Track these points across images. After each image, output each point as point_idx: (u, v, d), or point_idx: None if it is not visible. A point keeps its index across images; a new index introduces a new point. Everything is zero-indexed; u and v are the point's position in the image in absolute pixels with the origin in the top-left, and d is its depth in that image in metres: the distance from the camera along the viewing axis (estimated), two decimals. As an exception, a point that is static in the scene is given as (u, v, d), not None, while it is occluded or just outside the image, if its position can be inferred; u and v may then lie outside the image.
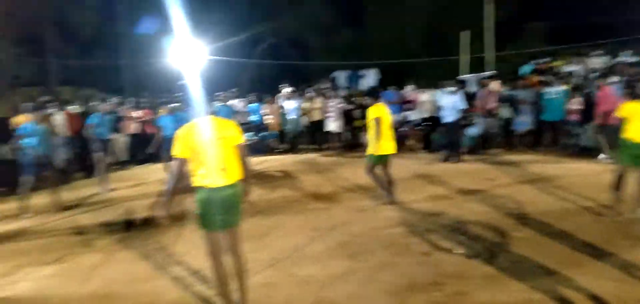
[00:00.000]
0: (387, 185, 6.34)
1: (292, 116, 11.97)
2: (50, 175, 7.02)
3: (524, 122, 9.93)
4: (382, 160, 6.23)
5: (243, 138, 3.40)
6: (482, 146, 10.20)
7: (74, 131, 9.99)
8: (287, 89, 12.42)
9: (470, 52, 14.69)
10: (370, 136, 6.27)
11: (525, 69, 11.89)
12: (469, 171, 8.34)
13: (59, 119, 9.99)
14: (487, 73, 12.14)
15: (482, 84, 10.27)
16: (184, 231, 5.51)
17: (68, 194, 7.74)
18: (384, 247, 4.71)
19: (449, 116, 9.45)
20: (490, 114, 9.91)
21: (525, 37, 16.59)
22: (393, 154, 6.32)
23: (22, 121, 7.34)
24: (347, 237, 5.09)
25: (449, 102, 9.46)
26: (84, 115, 10.55)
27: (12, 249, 5.42)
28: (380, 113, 6.15)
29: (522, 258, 4.21)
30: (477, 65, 14.56)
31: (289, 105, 11.99)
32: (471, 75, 12.94)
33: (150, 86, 16.97)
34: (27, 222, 6.44)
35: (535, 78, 10.43)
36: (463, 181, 7.50)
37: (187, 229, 5.45)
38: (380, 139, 6.08)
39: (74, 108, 10.86)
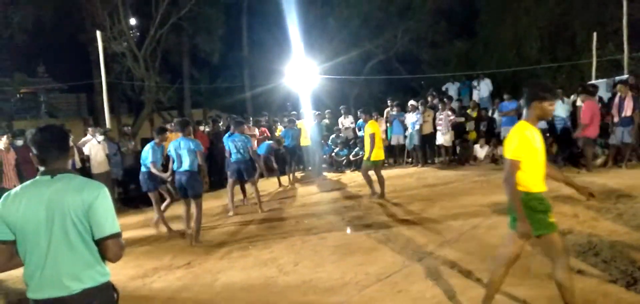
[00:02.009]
0: (380, 185, 8.10)
1: (411, 130, 11.88)
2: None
3: None
4: (375, 164, 8.15)
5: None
6: (617, 157, 9.06)
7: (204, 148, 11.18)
8: (411, 102, 12.37)
9: (602, 54, 13.18)
10: (366, 146, 8.10)
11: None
12: (599, 186, 7.47)
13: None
14: (622, 77, 10.75)
15: (621, 84, 9.07)
16: (294, 241, 5.83)
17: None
18: (499, 266, 4.45)
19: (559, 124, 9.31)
20: (628, 120, 8.69)
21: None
22: (383, 160, 8.80)
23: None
24: (458, 254, 4.92)
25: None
26: (211, 134, 11.77)
27: (147, 252, 6.25)
28: (374, 129, 8.09)
29: (669, 287, 3.67)
30: (611, 69, 13.01)
31: (410, 119, 11.93)
32: (603, 80, 11.59)
33: (269, 106, 18.24)
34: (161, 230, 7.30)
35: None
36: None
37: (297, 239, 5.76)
38: (374, 149, 7.96)
39: (204, 128, 12.13)
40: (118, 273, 4.84)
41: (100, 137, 9.66)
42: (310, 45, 16.51)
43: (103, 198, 2.12)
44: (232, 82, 20.43)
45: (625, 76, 10.79)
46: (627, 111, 8.64)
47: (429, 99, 13.07)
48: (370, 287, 4.27)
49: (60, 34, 16.80)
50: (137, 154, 11.27)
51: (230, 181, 8.08)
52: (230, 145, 7.90)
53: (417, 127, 11.71)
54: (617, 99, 8.91)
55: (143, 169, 6.98)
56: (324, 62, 16.68)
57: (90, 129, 10.25)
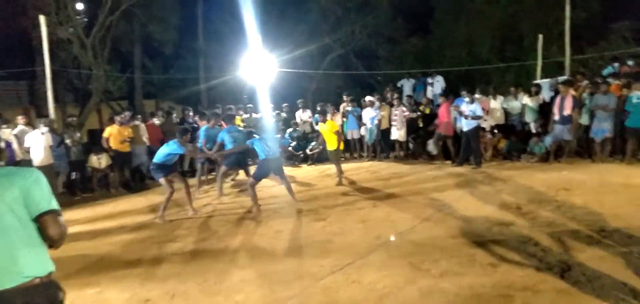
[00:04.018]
0: (340, 172, 9.13)
1: (370, 125, 12.06)
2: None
3: (603, 129, 9.24)
4: (337, 154, 9.34)
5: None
6: (553, 154, 9.64)
7: (154, 140, 10.84)
8: (368, 98, 12.55)
9: (547, 55, 13.91)
10: (331, 141, 9.13)
11: (606, 72, 11.05)
12: (542, 180, 7.92)
13: (142, 129, 10.91)
14: (563, 78, 11.42)
15: (556, 89, 9.67)
16: (250, 235, 5.79)
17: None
18: (448, 257, 4.63)
19: (467, 124, 9.80)
20: (567, 118, 9.28)
21: (609, 38, 15.39)
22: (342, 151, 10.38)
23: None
24: (410, 245, 5.07)
25: (467, 111, 9.74)
26: (163, 126, 11.44)
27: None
28: (336, 127, 9.36)
29: (600, 273, 3.95)
30: (554, 70, 13.76)
31: (368, 114, 12.10)
32: (546, 80, 12.24)
33: (225, 98, 17.93)
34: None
35: (618, 82, 9.65)
36: (534, 190, 7.16)
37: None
38: (339, 143, 9.18)
39: (155, 120, 11.75)
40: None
41: (44, 129, 9.15)
42: (268, 37, 16.35)
43: (37, 180, 2.07)
44: (186, 73, 19.90)
45: (566, 77, 11.45)
46: (567, 110, 9.20)
47: (389, 95, 13.32)
48: (325, 278, 4.32)
49: (-2, 16, 15.68)
50: (85, 146, 10.85)
51: (223, 169, 8.58)
52: (227, 137, 8.41)
53: (376, 122, 11.92)
54: (558, 99, 9.45)
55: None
56: (282, 55, 16.60)
57: (20, 118, 9.63)
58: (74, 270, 4.93)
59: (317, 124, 12.07)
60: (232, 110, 11.81)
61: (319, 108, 11.11)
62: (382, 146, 12.21)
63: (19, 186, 2.00)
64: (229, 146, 8.32)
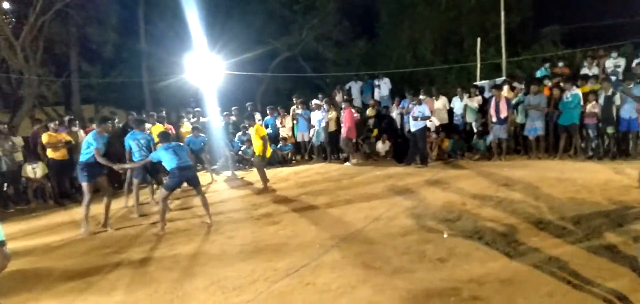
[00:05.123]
0: (264, 180, 9.12)
1: (317, 128, 12.13)
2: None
3: (536, 127, 9.89)
4: (261, 160, 9.28)
5: None
6: (496, 152, 10.19)
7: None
8: (315, 101, 12.61)
9: (486, 58, 14.65)
10: (258, 146, 9.20)
11: (539, 73, 11.83)
12: (484, 177, 8.32)
13: (82, 136, 10.34)
14: (499, 79, 12.10)
15: (495, 89, 10.26)
16: (200, 241, 5.65)
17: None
18: (399, 254, 4.76)
19: (414, 125, 10.19)
20: (504, 119, 9.90)
21: (541, 41, 16.49)
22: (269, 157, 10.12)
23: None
24: (362, 246, 5.16)
25: (416, 111, 10.15)
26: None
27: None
28: (263, 132, 9.43)
29: (541, 262, 4.21)
30: (493, 72, 14.52)
31: (315, 116, 12.16)
32: (486, 81, 12.90)
33: (170, 102, 17.35)
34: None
35: (550, 83, 10.36)
36: (478, 187, 7.51)
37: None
38: (266, 148, 9.28)
39: (95, 126, 11.15)
40: None
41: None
42: (214, 40, 16.00)
43: None
44: (128, 76, 19.04)
45: (501, 79, 12.12)
46: (503, 113, 9.85)
47: (338, 97, 13.47)
48: (279, 282, 4.30)
49: None
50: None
51: (135, 182, 7.73)
52: (133, 144, 7.64)
53: (323, 124, 12.02)
54: (493, 102, 10.05)
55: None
56: (228, 57, 16.30)
57: None
58: (10, 288, 4.58)
59: (267, 126, 12.04)
60: (140, 116, 10.93)
61: (247, 113, 11.11)
62: (331, 148, 12.33)
63: None
64: (136, 155, 7.58)
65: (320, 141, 12.33)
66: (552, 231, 5.04)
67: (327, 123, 12.03)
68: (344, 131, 11.34)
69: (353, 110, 12.09)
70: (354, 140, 11.66)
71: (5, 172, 9.35)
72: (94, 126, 10.87)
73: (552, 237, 4.87)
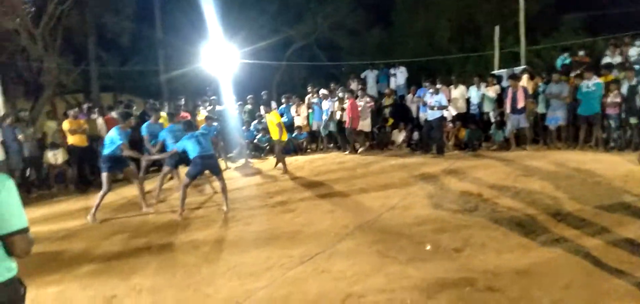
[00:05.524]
0: (283, 163, 9.61)
1: (325, 117, 12.12)
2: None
3: (557, 117, 9.70)
4: (280, 144, 9.77)
5: None
6: (514, 143, 10.03)
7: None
8: (323, 91, 12.60)
9: (504, 46, 14.39)
10: (275, 132, 9.70)
11: (559, 62, 11.58)
12: (502, 167, 8.22)
13: (100, 123, 10.52)
14: (518, 68, 11.87)
15: (511, 80, 10.07)
16: (218, 227, 5.71)
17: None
18: (414, 244, 4.75)
19: (431, 114, 10.07)
20: (521, 110, 9.71)
21: (561, 29, 16.12)
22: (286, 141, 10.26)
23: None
24: (377, 234, 5.16)
25: (432, 101, 10.03)
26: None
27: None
28: (279, 118, 9.84)
29: (558, 254, 4.16)
30: (511, 60, 14.27)
31: (324, 106, 12.15)
32: (505, 70, 12.69)
33: (186, 90, 17.50)
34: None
35: (573, 75, 10.11)
36: (495, 177, 7.42)
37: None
38: (280, 134, 9.61)
39: (114, 114, 11.33)
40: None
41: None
42: (229, 28, 16.05)
43: (9, 191, 1.95)
44: (145, 64, 19.26)
45: (520, 68, 11.89)
46: (520, 103, 9.65)
47: (353, 86, 13.39)
48: (294, 269, 4.33)
49: None
50: (39, 141, 10.36)
51: (166, 169, 7.99)
52: (169, 136, 7.78)
53: (330, 113, 12.00)
54: (510, 93, 9.84)
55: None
56: (244, 46, 16.35)
57: None
58: (33, 269, 4.71)
59: (282, 115, 12.04)
60: (164, 107, 11.15)
61: (263, 100, 11.21)
62: (341, 137, 12.30)
63: None
64: (170, 147, 7.66)
65: (328, 131, 12.31)
66: (571, 222, 4.97)
67: (333, 113, 12.00)
68: (347, 121, 11.33)
69: (368, 99, 12.01)
70: (358, 129, 11.58)
71: (27, 158, 9.56)
72: (112, 114, 11.13)
73: (570, 228, 4.80)
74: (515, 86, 9.82)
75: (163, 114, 9.81)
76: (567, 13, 16.92)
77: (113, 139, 6.74)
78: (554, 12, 17.24)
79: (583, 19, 16.43)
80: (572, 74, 10.12)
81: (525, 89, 9.85)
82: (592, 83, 9.15)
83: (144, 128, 8.31)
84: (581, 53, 11.55)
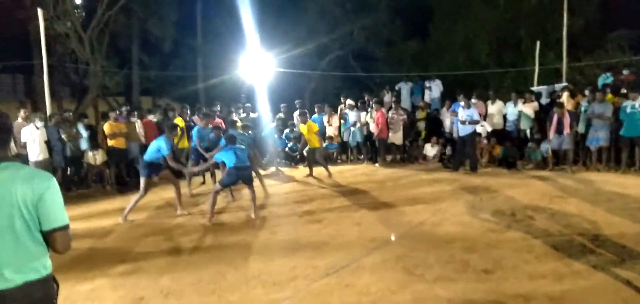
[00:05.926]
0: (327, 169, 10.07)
1: (354, 128, 12.11)
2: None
3: (598, 137, 9.27)
4: (320, 151, 10.39)
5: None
6: (554, 162, 9.67)
7: (150, 137, 10.77)
8: (350, 101, 12.63)
9: (545, 62, 13.95)
10: (314, 140, 10.19)
11: (601, 81, 11.11)
12: (537, 187, 7.95)
13: (139, 126, 10.88)
14: (559, 85, 11.48)
15: (552, 97, 9.71)
16: (245, 235, 5.78)
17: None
18: (442, 262, 4.65)
19: (463, 129, 9.86)
20: (562, 128, 9.33)
21: (606, 46, 15.48)
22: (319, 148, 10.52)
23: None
24: (404, 250, 5.08)
25: (463, 116, 9.82)
26: (159, 123, 11.39)
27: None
28: (316, 128, 10.45)
29: (595, 282, 3.97)
30: (552, 77, 13.82)
31: (352, 116, 12.16)
32: (544, 87, 12.30)
33: (222, 97, 17.89)
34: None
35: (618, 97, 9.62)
36: (530, 197, 7.18)
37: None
38: (320, 142, 10.34)
39: (152, 117, 11.69)
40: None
41: (40, 123, 9.11)
42: (266, 37, 16.34)
43: (53, 189, 2.04)
44: (184, 70, 19.85)
45: (561, 85, 11.48)
46: (567, 129, 9.19)
47: (386, 98, 13.32)
48: (318, 281, 4.32)
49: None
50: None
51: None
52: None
53: (358, 125, 11.99)
54: (555, 118, 9.34)
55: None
56: (280, 54, 16.58)
57: (22, 112, 9.62)
58: (67, 266, 4.91)
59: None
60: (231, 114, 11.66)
61: (297, 109, 11.40)
62: (368, 148, 12.24)
63: (35, 191, 1.97)
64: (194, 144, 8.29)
65: (356, 141, 12.28)
66: (610, 248, 4.74)
67: (361, 124, 11.97)
68: (376, 132, 11.50)
69: (400, 111, 11.90)
70: (389, 142, 11.76)
71: (69, 157, 10.00)
72: (150, 117, 11.49)
73: (608, 254, 4.57)
74: (561, 113, 9.32)
75: (239, 122, 10.24)
76: (613, 30, 16.25)
77: (160, 148, 6.95)
78: (599, 28, 16.59)
79: (629, 37, 15.73)
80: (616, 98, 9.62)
81: (571, 113, 9.43)
82: (638, 104, 8.73)
83: (194, 132, 8.90)
84: (626, 72, 11.08)
